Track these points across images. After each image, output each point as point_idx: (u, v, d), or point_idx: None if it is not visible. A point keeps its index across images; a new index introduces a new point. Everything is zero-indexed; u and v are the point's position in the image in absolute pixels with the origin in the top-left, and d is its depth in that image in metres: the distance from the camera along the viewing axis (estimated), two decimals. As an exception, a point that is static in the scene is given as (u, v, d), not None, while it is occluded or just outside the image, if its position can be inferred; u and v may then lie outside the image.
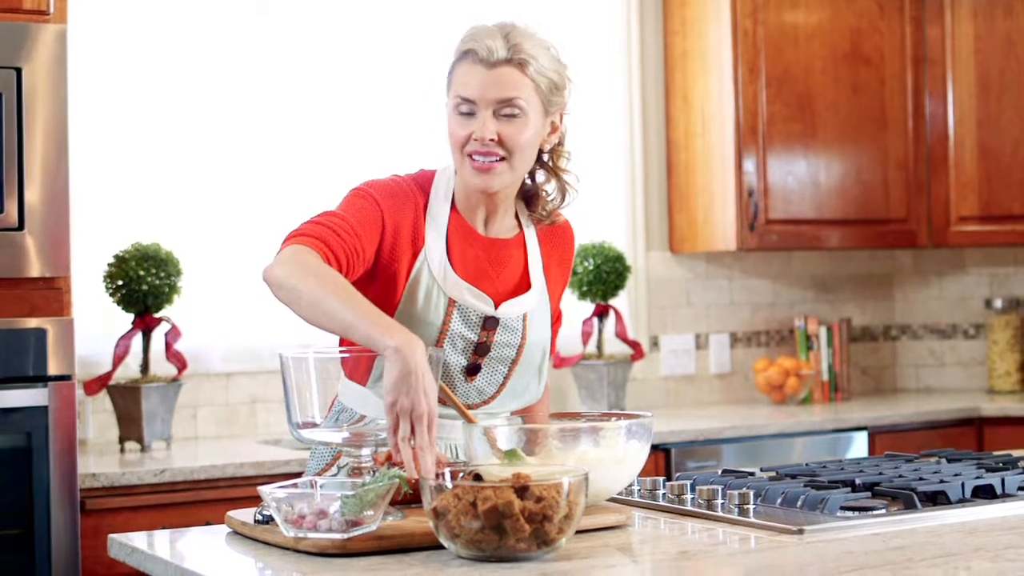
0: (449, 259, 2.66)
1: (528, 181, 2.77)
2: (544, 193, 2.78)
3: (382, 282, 2.63)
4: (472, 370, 2.69)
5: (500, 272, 2.73)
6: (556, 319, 2.88)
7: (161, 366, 4.24)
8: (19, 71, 3.49)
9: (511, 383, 2.74)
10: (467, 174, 2.63)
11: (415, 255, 2.64)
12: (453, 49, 2.67)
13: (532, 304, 2.75)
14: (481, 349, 2.68)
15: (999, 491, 2.57)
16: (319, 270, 2.43)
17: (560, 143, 2.75)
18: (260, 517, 2.34)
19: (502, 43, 2.59)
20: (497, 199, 2.70)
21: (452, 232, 2.68)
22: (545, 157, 2.74)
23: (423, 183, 2.71)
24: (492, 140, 2.59)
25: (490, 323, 2.68)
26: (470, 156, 2.61)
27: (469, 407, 2.62)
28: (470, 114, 2.61)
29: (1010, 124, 5.37)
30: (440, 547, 2.14)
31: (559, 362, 4.91)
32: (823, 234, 5.29)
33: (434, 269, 2.64)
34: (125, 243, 4.16)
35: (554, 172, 2.76)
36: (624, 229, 5.28)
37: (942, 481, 2.57)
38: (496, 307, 2.69)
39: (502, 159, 2.61)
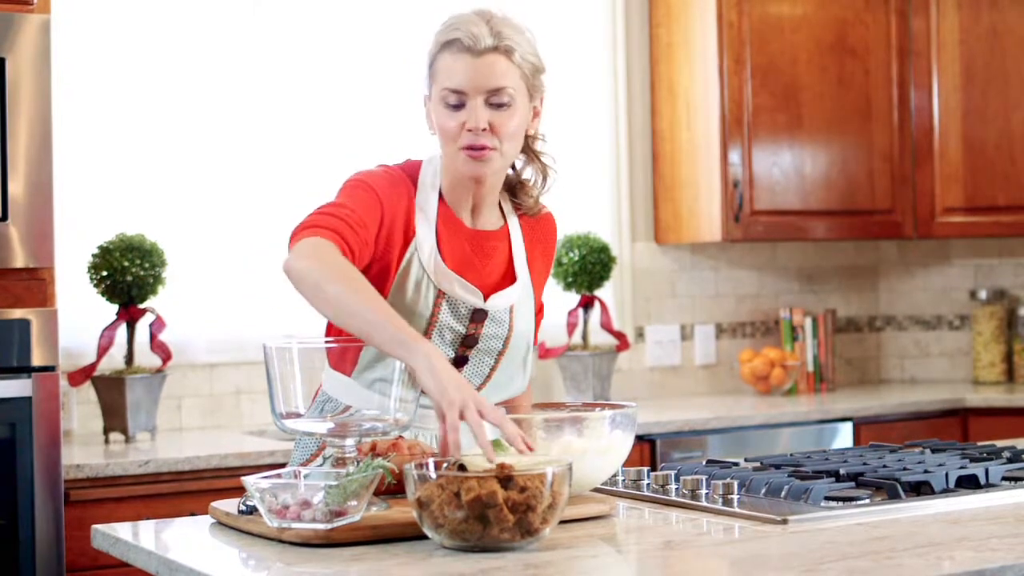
0: (439, 250, 2.66)
1: (510, 170, 2.76)
2: (526, 180, 2.78)
3: (374, 274, 2.61)
4: (459, 362, 2.69)
5: (486, 264, 2.72)
6: (538, 311, 2.88)
7: (145, 357, 4.24)
8: (2, 61, 3.47)
9: (496, 375, 2.74)
10: (460, 164, 2.62)
11: (405, 245, 2.63)
12: (433, 40, 2.65)
13: (517, 296, 2.75)
14: (469, 341, 2.68)
15: (983, 481, 2.58)
16: (342, 267, 2.42)
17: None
18: (244, 507, 2.34)
19: (487, 30, 2.58)
20: (484, 189, 2.69)
21: (441, 223, 2.67)
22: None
23: (412, 173, 2.70)
24: (485, 129, 2.58)
25: (479, 315, 2.68)
26: (462, 147, 2.60)
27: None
28: (459, 105, 2.60)
29: (995, 116, 5.38)
30: (424, 537, 2.14)
31: (544, 353, 4.91)
32: (808, 225, 5.29)
33: (424, 260, 2.63)
34: (109, 234, 4.15)
35: (533, 156, 2.76)
36: (609, 220, 5.28)
37: (926, 471, 2.57)
38: (485, 299, 2.69)
39: (494, 148, 2.60)
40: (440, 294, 2.64)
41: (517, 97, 2.61)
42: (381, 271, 2.62)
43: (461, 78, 2.59)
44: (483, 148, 2.59)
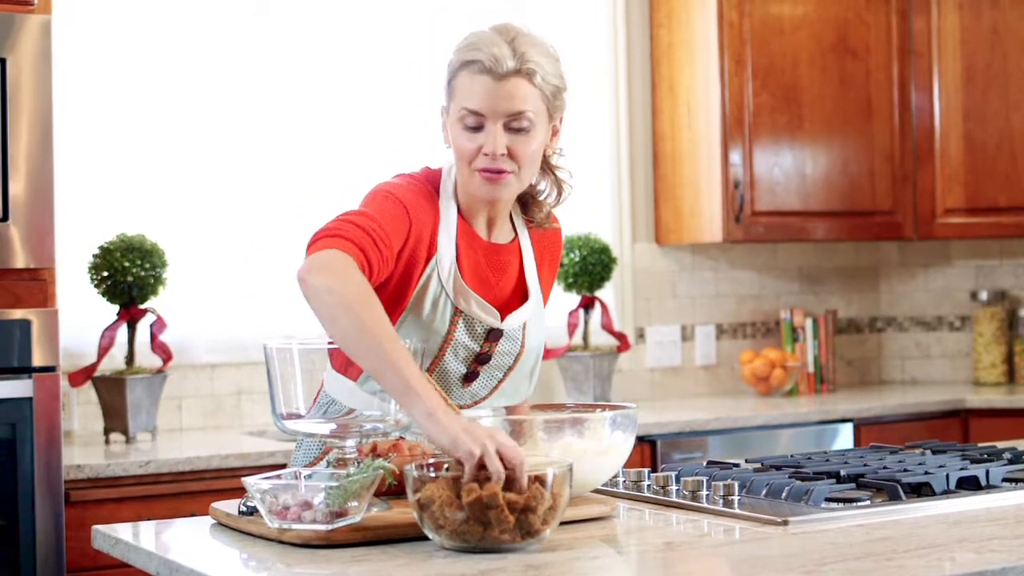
0: (458, 265, 2.62)
1: None
2: (538, 193, 2.74)
3: (391, 289, 2.58)
4: (470, 377, 2.67)
5: (500, 278, 2.69)
6: None
7: (146, 357, 4.24)
8: (3, 62, 3.47)
9: (504, 385, 2.73)
10: (475, 186, 2.58)
11: (427, 261, 2.59)
12: (454, 56, 2.59)
13: (530, 313, 2.73)
14: (482, 358, 2.66)
15: (983, 483, 2.58)
16: (358, 292, 2.31)
17: None
18: (244, 508, 2.34)
19: (508, 51, 2.52)
20: (500, 206, 2.66)
21: (460, 237, 2.64)
22: None
23: (435, 185, 2.65)
24: (503, 155, 2.54)
25: (494, 334, 2.65)
26: (478, 169, 2.56)
27: (460, 407, 2.60)
28: (477, 127, 2.55)
29: (996, 116, 5.38)
30: (424, 538, 2.14)
31: (545, 354, 4.89)
32: (809, 226, 5.29)
33: (443, 277, 2.59)
34: (110, 234, 4.15)
35: (548, 170, 2.72)
36: (610, 220, 5.28)
37: (927, 473, 2.57)
38: (502, 319, 2.67)
39: (512, 172, 2.56)
40: (457, 312, 2.61)
41: (537, 121, 2.56)
42: (399, 287, 2.58)
43: (480, 100, 2.53)
44: (500, 172, 2.55)
